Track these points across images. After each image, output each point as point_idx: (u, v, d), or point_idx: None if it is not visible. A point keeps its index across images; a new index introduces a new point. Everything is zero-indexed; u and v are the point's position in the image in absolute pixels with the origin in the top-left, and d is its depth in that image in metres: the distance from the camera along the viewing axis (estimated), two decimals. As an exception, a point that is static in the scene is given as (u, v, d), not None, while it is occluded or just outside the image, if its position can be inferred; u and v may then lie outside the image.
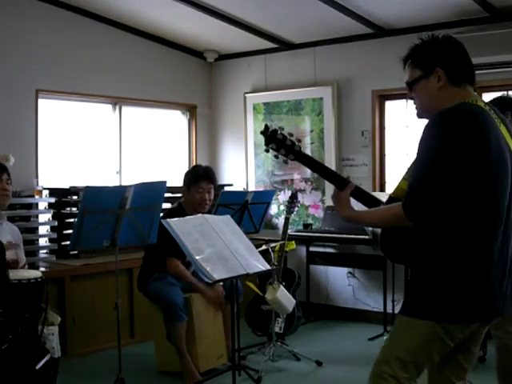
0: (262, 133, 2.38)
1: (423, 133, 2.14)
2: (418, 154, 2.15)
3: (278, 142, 2.34)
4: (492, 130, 2.13)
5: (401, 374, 2.18)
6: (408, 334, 2.19)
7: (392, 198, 2.30)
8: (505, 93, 3.76)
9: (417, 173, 2.12)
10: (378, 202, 2.37)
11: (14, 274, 3.25)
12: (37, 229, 4.99)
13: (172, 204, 4.97)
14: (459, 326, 2.15)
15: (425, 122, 2.22)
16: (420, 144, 2.14)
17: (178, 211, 4.49)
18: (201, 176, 4.57)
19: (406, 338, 2.20)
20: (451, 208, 2.07)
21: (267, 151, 2.41)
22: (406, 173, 2.33)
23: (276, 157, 2.41)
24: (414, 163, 2.21)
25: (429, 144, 2.11)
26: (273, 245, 4.88)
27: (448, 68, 2.23)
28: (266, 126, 2.37)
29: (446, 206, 2.07)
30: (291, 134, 2.39)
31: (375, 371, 2.23)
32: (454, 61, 2.25)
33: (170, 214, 4.42)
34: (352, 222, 2.34)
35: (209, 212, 4.49)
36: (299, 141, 6.36)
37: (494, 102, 3.42)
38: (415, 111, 2.37)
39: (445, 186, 2.06)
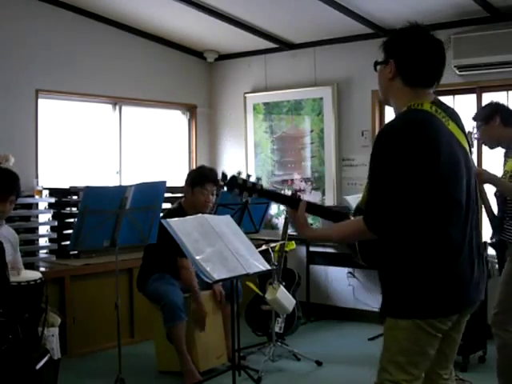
0: (223, 182, 2.46)
1: (374, 148, 2.17)
2: (370, 169, 2.18)
3: (239, 187, 2.43)
4: (441, 136, 2.15)
5: (401, 376, 2.19)
6: (396, 336, 2.20)
7: (360, 209, 2.31)
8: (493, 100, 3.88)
9: (372, 189, 2.17)
10: (339, 214, 2.42)
11: (14, 277, 3.24)
12: (37, 229, 4.99)
13: (172, 204, 4.96)
14: (440, 319, 2.19)
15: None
16: (371, 160, 2.17)
17: (179, 211, 4.49)
18: (207, 178, 4.56)
19: (395, 341, 2.21)
20: (407, 215, 2.12)
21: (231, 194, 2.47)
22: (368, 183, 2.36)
23: (241, 199, 2.50)
24: (368, 178, 2.23)
25: (380, 160, 2.14)
26: (273, 245, 4.88)
27: (400, 65, 2.24)
28: (223, 174, 2.46)
29: (403, 215, 2.12)
30: (249, 176, 2.45)
31: (377, 382, 2.26)
32: (410, 59, 2.23)
33: (170, 213, 4.41)
34: (315, 241, 2.44)
35: (209, 212, 4.49)
36: (300, 140, 6.38)
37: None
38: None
39: (398, 197, 2.10)
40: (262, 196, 2.48)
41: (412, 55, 2.23)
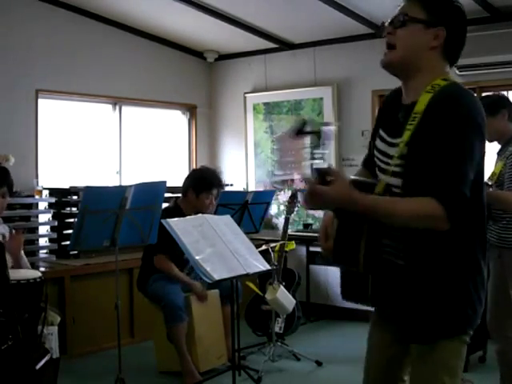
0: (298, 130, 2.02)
1: (448, 122, 1.80)
2: (441, 145, 1.81)
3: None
4: None
5: None
6: (442, 357, 1.92)
7: (360, 182, 1.96)
8: (489, 93, 3.77)
9: (449, 165, 1.79)
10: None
11: (14, 275, 3.24)
12: (37, 229, 4.98)
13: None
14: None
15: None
16: (445, 134, 1.81)
17: (175, 210, 4.49)
18: (214, 185, 4.57)
19: (440, 362, 1.92)
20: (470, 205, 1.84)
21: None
22: (390, 165, 1.94)
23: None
24: (428, 148, 1.83)
25: (452, 130, 1.80)
26: (273, 245, 4.88)
27: (451, 35, 1.97)
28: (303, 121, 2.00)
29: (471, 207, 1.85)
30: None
31: None
32: (459, 34, 2.01)
33: (166, 213, 4.32)
34: (363, 211, 1.82)
35: (209, 212, 4.49)
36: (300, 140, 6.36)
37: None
38: (384, 56, 2.00)
39: (474, 183, 1.83)
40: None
41: (464, 29, 2.02)
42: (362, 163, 2.29)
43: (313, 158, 1.89)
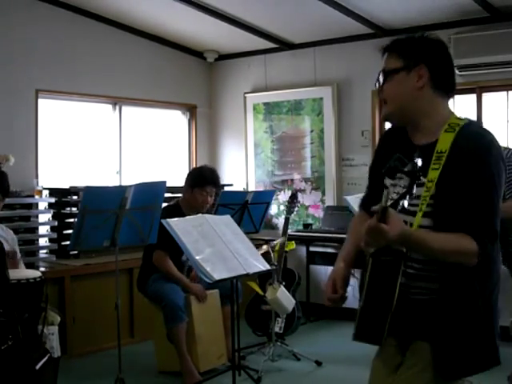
0: None
1: (477, 160, 1.88)
2: (472, 183, 1.88)
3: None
4: None
5: None
6: None
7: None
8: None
9: (483, 199, 1.88)
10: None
11: (14, 274, 3.25)
12: (37, 229, 4.99)
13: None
14: None
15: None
16: (475, 173, 1.88)
17: (175, 209, 4.49)
18: (208, 181, 4.56)
19: None
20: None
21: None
22: (422, 204, 1.92)
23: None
24: (464, 189, 1.89)
25: (487, 175, 1.89)
26: (274, 243, 4.88)
27: (434, 69, 1.97)
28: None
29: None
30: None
31: None
32: (441, 64, 2.00)
33: (166, 211, 4.36)
34: (405, 243, 1.86)
35: (209, 212, 4.49)
36: (300, 140, 6.37)
37: None
38: (384, 110, 2.08)
39: (497, 217, 1.92)
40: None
41: (444, 60, 2.01)
42: (360, 206, 2.25)
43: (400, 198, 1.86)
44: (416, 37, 2.03)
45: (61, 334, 3.54)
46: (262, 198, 4.95)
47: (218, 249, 3.64)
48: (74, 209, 5.21)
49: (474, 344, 1.91)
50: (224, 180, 6.89)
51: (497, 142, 1.95)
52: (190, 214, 4.52)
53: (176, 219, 3.73)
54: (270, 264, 4.41)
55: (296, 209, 5.25)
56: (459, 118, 1.98)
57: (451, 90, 2.03)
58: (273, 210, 6.51)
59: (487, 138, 1.93)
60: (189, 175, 4.69)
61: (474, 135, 1.93)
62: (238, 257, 3.66)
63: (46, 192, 5.29)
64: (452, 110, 2.04)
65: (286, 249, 5.02)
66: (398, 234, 1.79)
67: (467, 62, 5.11)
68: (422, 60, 1.97)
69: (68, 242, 4.14)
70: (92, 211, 3.72)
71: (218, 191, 4.80)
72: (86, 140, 6.01)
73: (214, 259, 3.55)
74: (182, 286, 4.44)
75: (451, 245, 1.85)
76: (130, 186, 3.88)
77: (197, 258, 3.49)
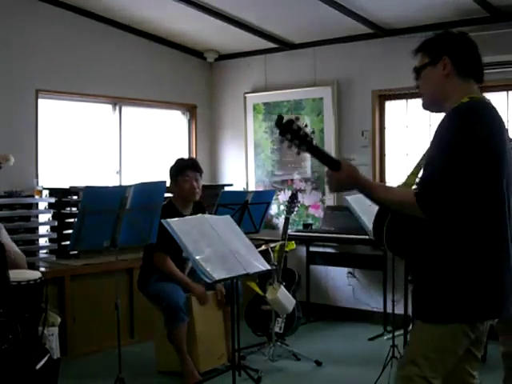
0: (277, 124, 2.23)
1: (438, 127, 2.18)
2: (432, 148, 2.18)
3: (293, 133, 2.22)
4: (504, 128, 2.24)
5: (430, 373, 2.18)
6: (435, 333, 2.18)
7: None
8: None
9: (432, 167, 2.14)
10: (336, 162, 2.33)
11: (14, 276, 3.24)
12: (37, 229, 4.99)
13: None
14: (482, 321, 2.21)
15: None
16: (434, 139, 2.18)
17: (169, 208, 4.48)
18: (185, 165, 4.60)
19: (433, 337, 2.19)
20: (464, 204, 2.10)
21: (282, 142, 2.28)
22: (415, 168, 2.38)
23: (289, 147, 2.27)
24: (426, 157, 2.22)
25: (444, 139, 2.14)
26: (273, 245, 4.88)
27: (455, 58, 2.26)
28: (279, 116, 2.25)
29: (459, 202, 2.09)
30: (306, 125, 2.24)
31: (402, 373, 2.24)
32: (461, 53, 2.28)
33: (161, 211, 4.32)
34: (357, 187, 2.29)
35: (208, 211, 4.49)
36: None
37: None
38: (421, 102, 2.40)
39: (459, 182, 2.08)
40: (310, 151, 2.26)
41: (464, 49, 2.29)
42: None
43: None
44: (439, 33, 2.35)
45: (61, 334, 3.54)
46: (262, 198, 4.95)
47: (218, 249, 3.64)
48: (74, 209, 5.21)
49: (438, 296, 2.17)
50: (224, 180, 6.90)
51: (480, 119, 2.15)
52: (184, 210, 4.54)
53: (176, 219, 3.72)
54: (270, 264, 4.42)
55: (296, 209, 5.25)
56: (470, 97, 2.21)
57: (478, 75, 2.31)
58: (273, 210, 6.51)
59: (467, 114, 2.16)
60: (169, 172, 4.70)
61: (453, 111, 2.19)
62: (238, 257, 3.66)
63: (45, 192, 5.29)
64: (473, 92, 2.26)
65: (286, 249, 5.02)
66: (346, 177, 2.25)
67: (467, 61, 5.12)
68: (444, 52, 2.27)
69: (68, 242, 4.14)
70: (92, 211, 3.71)
71: (218, 191, 4.80)
72: (85, 140, 6.01)
73: (213, 259, 3.55)
74: (184, 286, 4.44)
75: (394, 196, 2.24)
76: (130, 186, 3.87)
77: (197, 257, 3.49)
